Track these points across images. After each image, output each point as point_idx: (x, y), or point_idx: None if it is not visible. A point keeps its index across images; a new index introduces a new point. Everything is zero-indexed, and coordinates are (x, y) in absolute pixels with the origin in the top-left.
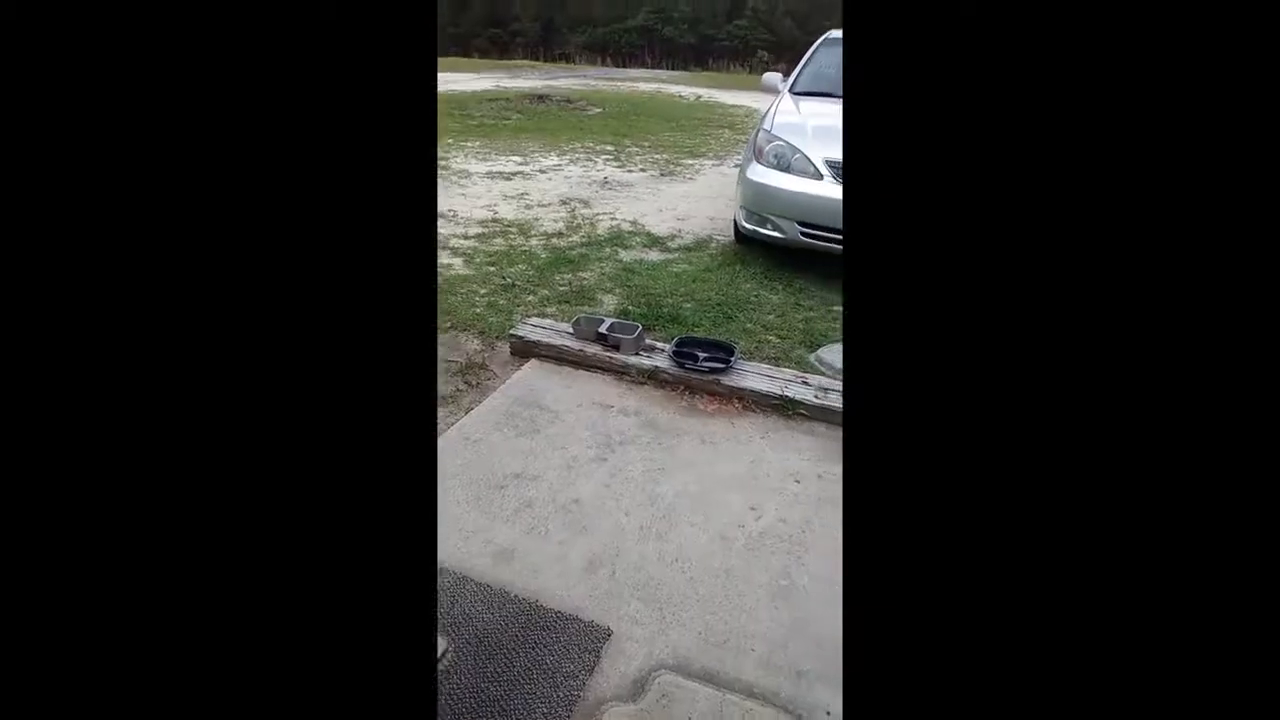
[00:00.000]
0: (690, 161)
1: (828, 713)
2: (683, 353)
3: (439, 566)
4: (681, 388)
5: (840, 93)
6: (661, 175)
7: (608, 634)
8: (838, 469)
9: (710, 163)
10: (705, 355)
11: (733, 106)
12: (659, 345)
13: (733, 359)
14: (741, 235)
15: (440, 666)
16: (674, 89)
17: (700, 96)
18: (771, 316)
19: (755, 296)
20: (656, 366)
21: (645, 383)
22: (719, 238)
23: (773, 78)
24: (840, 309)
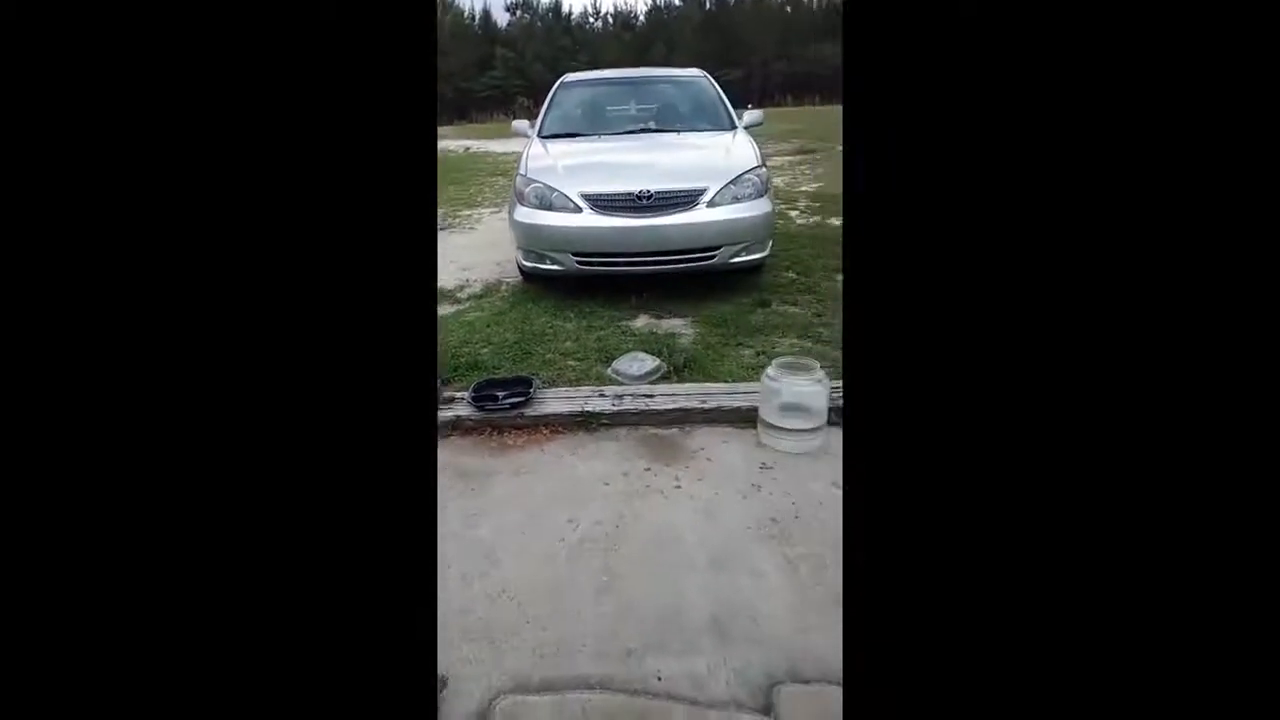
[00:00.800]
0: (468, 211)
1: (659, 678)
2: (482, 395)
3: None
4: (488, 429)
5: (583, 131)
6: (442, 229)
7: (444, 682)
8: (640, 464)
9: (488, 210)
10: (505, 393)
11: (502, 154)
12: (458, 395)
13: (531, 390)
14: (525, 273)
15: None
16: (442, 144)
17: (468, 148)
18: (568, 343)
19: (550, 328)
20: (459, 416)
21: (450, 434)
22: (507, 280)
23: (521, 124)
24: (626, 324)
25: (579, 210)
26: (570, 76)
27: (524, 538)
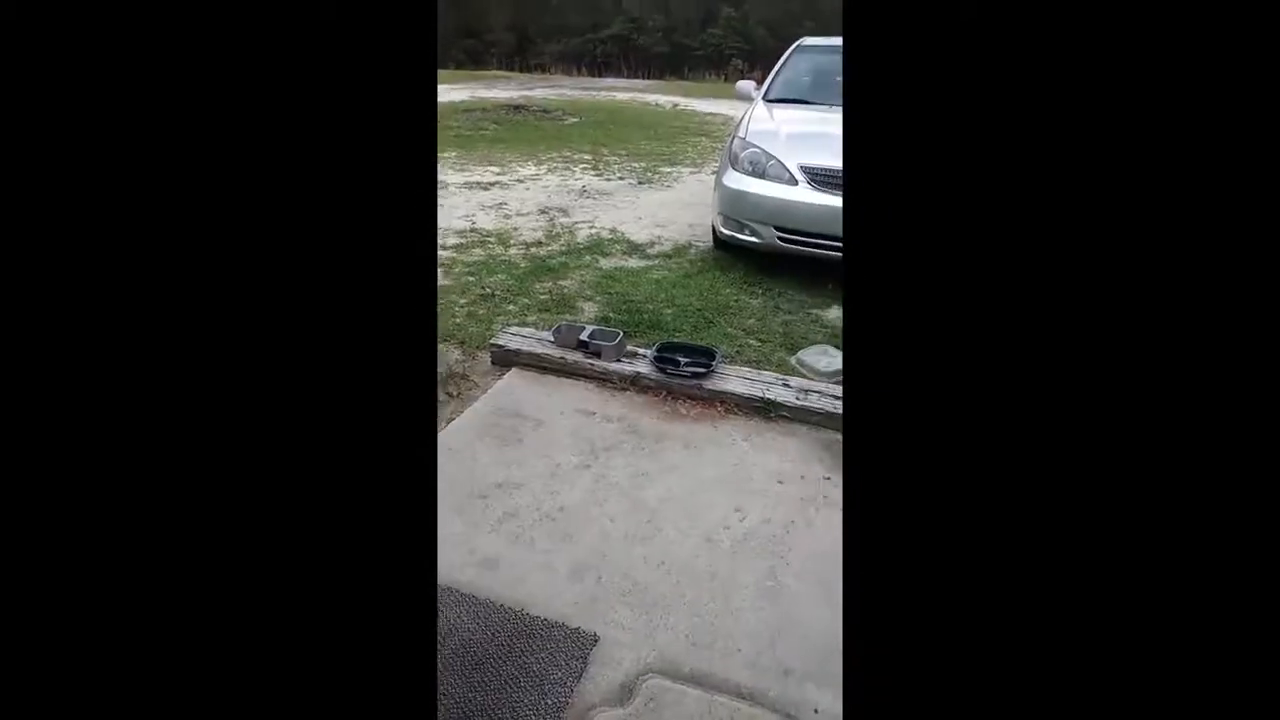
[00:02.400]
0: (668, 169)
1: (816, 710)
2: (664, 358)
3: None
4: (664, 393)
5: (812, 99)
6: (639, 183)
7: (595, 640)
8: (819, 469)
9: (688, 170)
10: (686, 360)
11: (708, 114)
12: (640, 351)
13: (714, 363)
14: (720, 241)
15: None
16: (649, 98)
17: (676, 105)
18: (751, 321)
19: (735, 301)
20: (638, 373)
21: (627, 389)
22: (698, 244)
23: (746, 86)
24: (817, 312)
25: (794, 183)
26: (808, 40)
27: (689, 513)
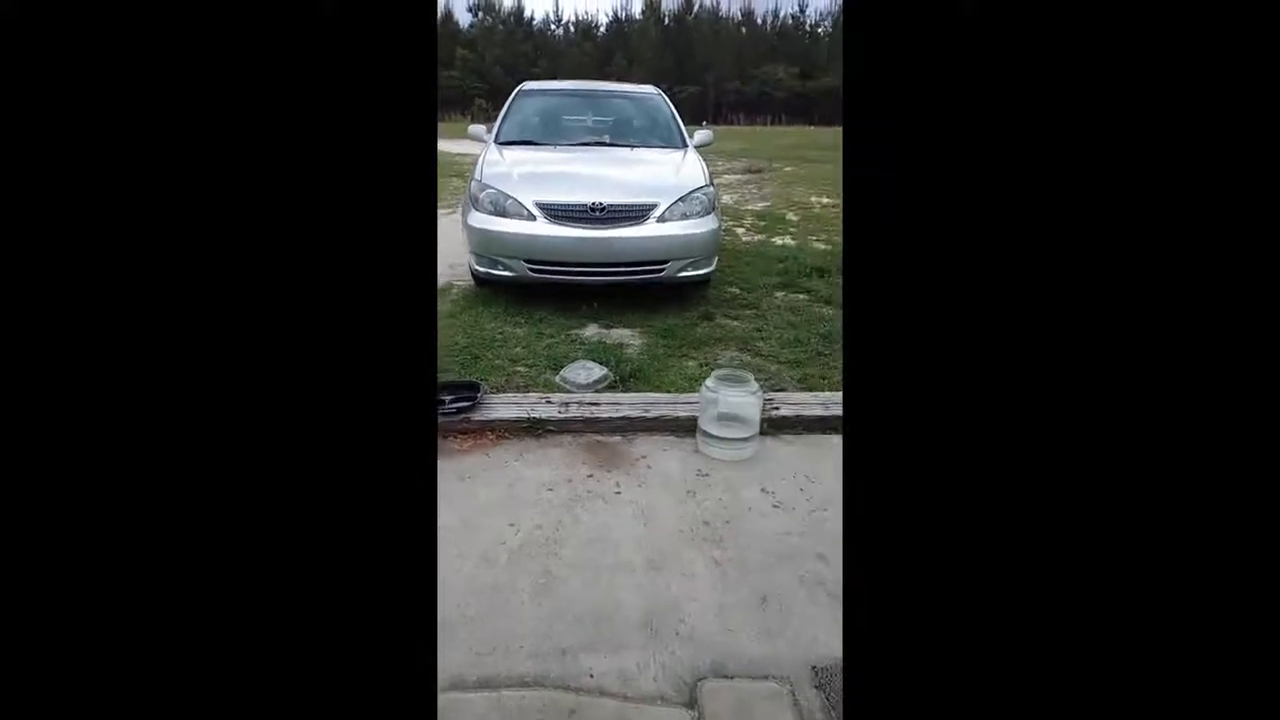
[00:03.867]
0: None
1: (590, 675)
2: None
3: None
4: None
5: (539, 140)
6: None
7: None
8: (583, 470)
9: (444, 211)
10: (452, 397)
11: (458, 154)
12: None
13: (479, 395)
14: (478, 278)
15: None
16: None
17: None
18: (518, 349)
19: (500, 333)
20: None
21: None
22: (459, 283)
23: (478, 129)
24: (576, 332)
25: (533, 218)
26: (529, 85)
27: (467, 540)
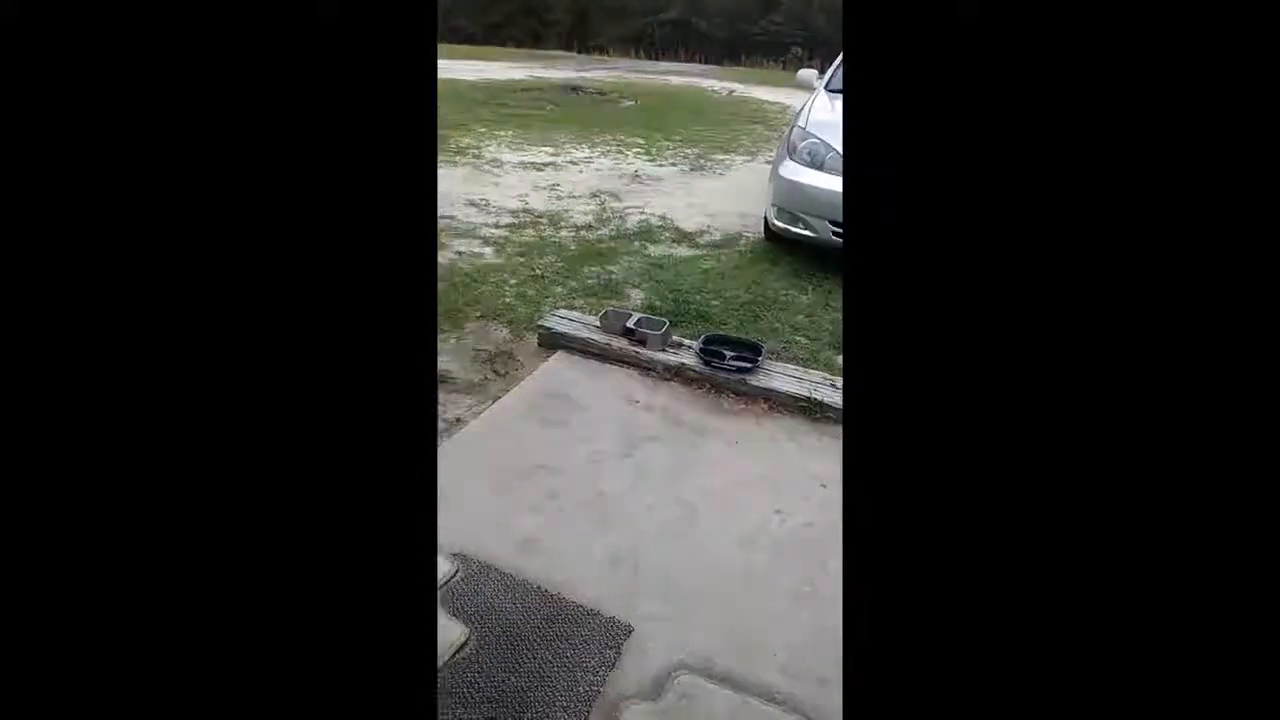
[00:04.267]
0: (721, 157)
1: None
2: (710, 350)
3: (462, 553)
4: (708, 386)
5: None
6: (692, 170)
7: (629, 631)
8: None
9: (741, 158)
10: (732, 354)
11: (766, 102)
12: (686, 342)
13: (760, 358)
14: (772, 233)
15: (462, 655)
16: (707, 83)
17: (733, 91)
18: (800, 317)
19: (784, 296)
20: (683, 363)
21: (671, 379)
22: (748, 235)
23: (808, 74)
24: None
25: None
26: None
27: (728, 511)
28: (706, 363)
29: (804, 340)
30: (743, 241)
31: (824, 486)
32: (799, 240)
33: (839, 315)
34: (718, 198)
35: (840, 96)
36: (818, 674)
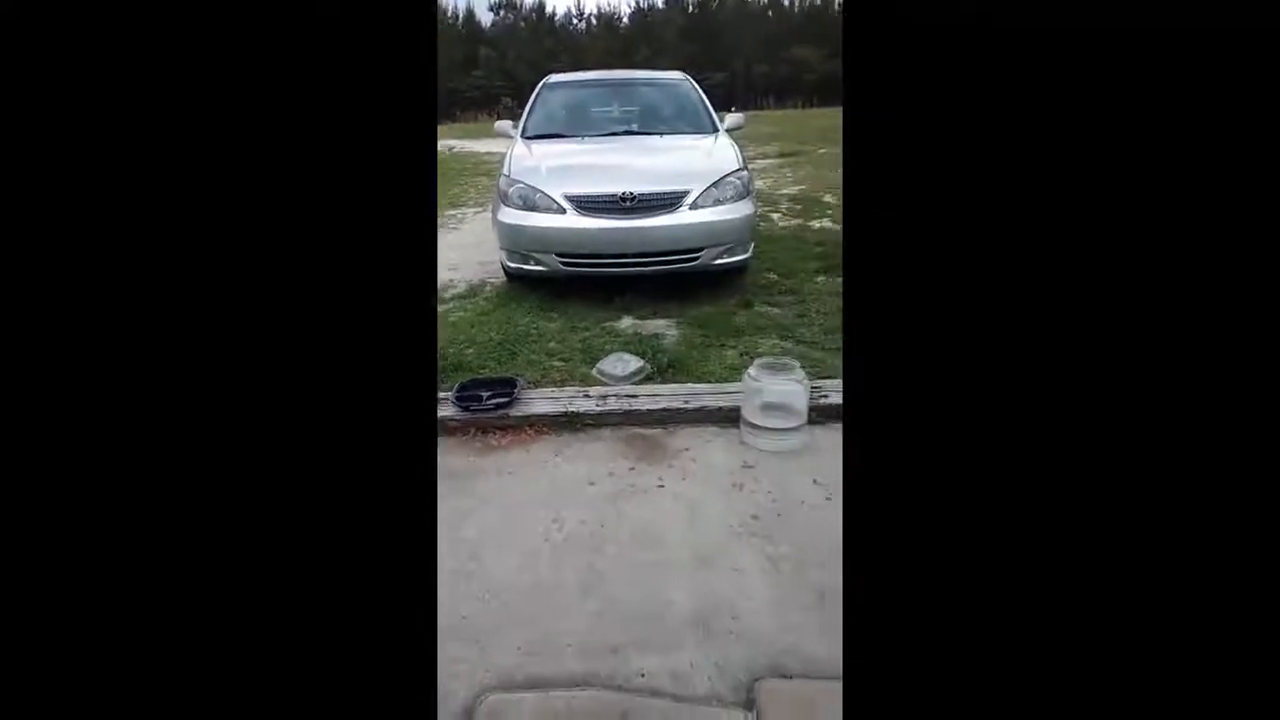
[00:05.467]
0: (453, 211)
1: (641, 674)
2: (466, 396)
3: None
4: (473, 430)
5: (566, 132)
6: None
7: None
8: (625, 464)
9: (473, 210)
10: (489, 394)
11: (485, 154)
12: (442, 395)
13: (516, 391)
14: (510, 274)
15: None
16: None
17: (453, 148)
18: (553, 344)
19: (534, 328)
20: (443, 416)
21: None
22: (492, 280)
23: (504, 125)
24: (611, 324)
25: (563, 211)
26: (554, 77)
27: (509, 537)
28: (465, 408)
29: (559, 363)
30: (487, 288)
31: (592, 484)
32: (534, 276)
33: (586, 334)
34: (456, 251)
35: (534, 142)
36: (609, 644)
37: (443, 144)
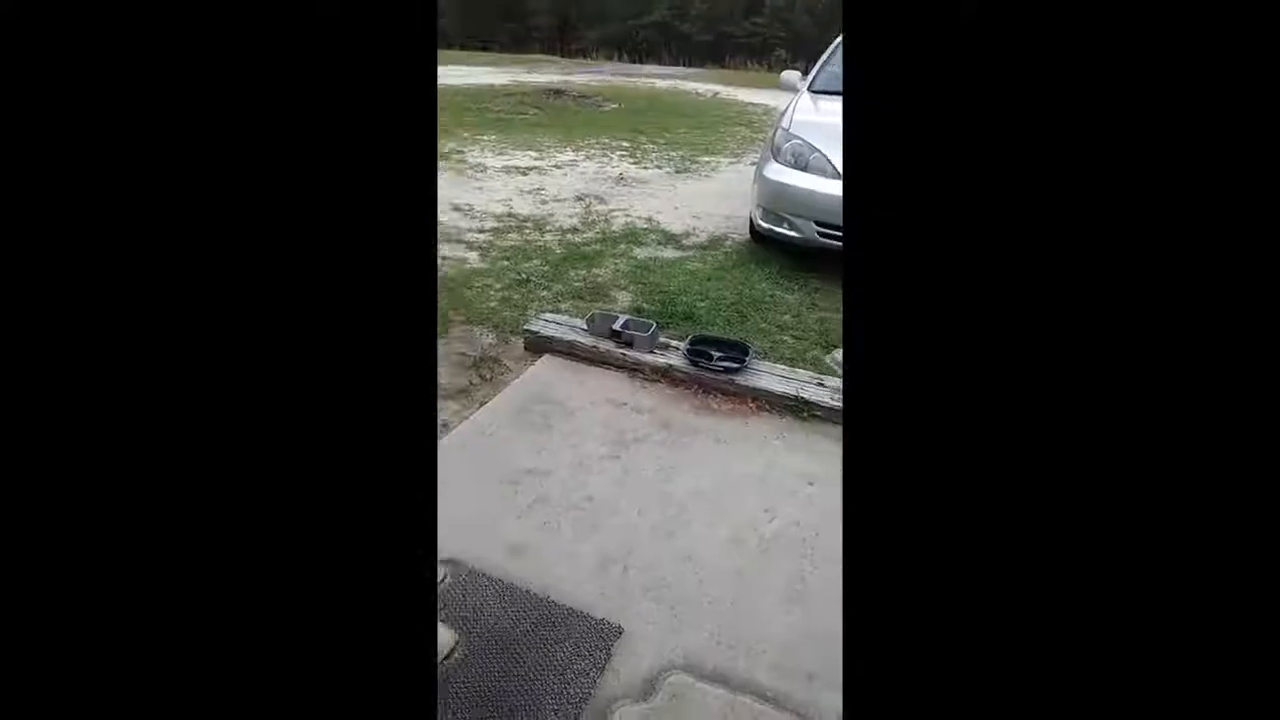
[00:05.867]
0: (706, 159)
1: (836, 715)
2: (697, 351)
3: (452, 559)
4: (695, 386)
5: None
6: (677, 172)
7: (619, 632)
8: None
9: (726, 160)
10: (720, 354)
11: (749, 104)
12: (673, 343)
13: (747, 358)
14: (757, 234)
15: (450, 661)
16: (690, 85)
17: (717, 93)
18: (787, 317)
19: (770, 296)
20: (670, 365)
21: (659, 381)
22: (734, 236)
23: (791, 76)
24: None
25: (837, 176)
26: None
27: (717, 510)
28: (694, 363)
29: (790, 340)
30: (728, 243)
31: (811, 485)
32: (784, 241)
33: (824, 314)
34: (703, 200)
35: (822, 98)
36: (806, 670)
37: (705, 88)
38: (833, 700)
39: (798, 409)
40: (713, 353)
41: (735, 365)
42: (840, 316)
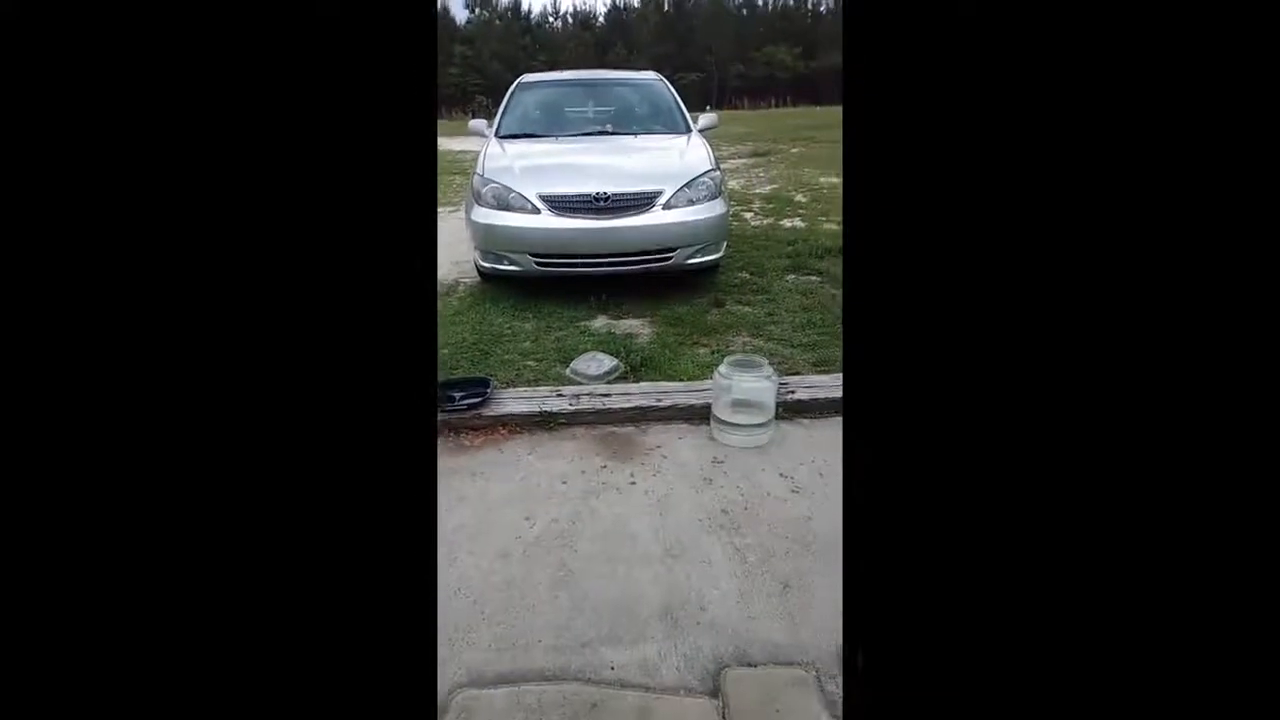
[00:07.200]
0: None
1: (611, 667)
2: (440, 397)
3: None
4: (446, 430)
5: (540, 132)
6: None
7: None
8: (597, 462)
9: (447, 209)
10: (461, 394)
11: (460, 151)
12: None
13: (488, 390)
14: (483, 274)
15: None
16: None
17: None
18: (527, 344)
19: (508, 329)
20: None
21: None
22: (466, 280)
23: (478, 124)
24: (585, 324)
25: (536, 211)
26: (528, 77)
27: (482, 536)
28: (439, 409)
29: (532, 364)
30: (461, 287)
31: (564, 483)
32: (510, 275)
33: (560, 334)
34: None
35: (508, 141)
36: (580, 639)
37: None
38: (605, 656)
39: (544, 422)
40: (454, 394)
41: (478, 400)
42: (572, 332)
